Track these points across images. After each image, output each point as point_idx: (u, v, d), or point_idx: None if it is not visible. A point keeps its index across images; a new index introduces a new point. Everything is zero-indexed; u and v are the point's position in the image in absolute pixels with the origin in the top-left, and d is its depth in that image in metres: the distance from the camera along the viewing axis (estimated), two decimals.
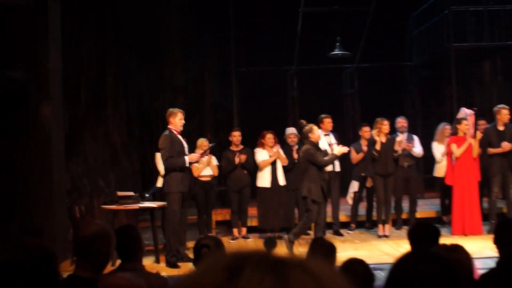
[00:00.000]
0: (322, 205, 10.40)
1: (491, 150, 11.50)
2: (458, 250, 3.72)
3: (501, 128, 11.56)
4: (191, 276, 0.73)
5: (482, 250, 9.59)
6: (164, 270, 8.57)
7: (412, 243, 4.86)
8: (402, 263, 2.00)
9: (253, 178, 11.86)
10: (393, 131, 11.94)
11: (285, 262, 0.70)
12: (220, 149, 12.32)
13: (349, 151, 11.49)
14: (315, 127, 10.50)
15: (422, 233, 4.82)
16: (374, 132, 11.56)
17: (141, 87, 14.66)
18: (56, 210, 9.51)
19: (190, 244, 9.71)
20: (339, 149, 10.53)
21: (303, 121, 11.34)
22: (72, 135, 11.66)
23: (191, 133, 13.03)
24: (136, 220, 12.39)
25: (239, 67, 15.43)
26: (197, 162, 10.78)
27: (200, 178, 11.51)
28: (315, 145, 10.35)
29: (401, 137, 11.64)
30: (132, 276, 3.07)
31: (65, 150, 10.34)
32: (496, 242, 5.23)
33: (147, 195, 10.71)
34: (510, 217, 10.88)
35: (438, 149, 12.36)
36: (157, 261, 9.62)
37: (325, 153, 10.95)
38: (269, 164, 11.58)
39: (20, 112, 9.58)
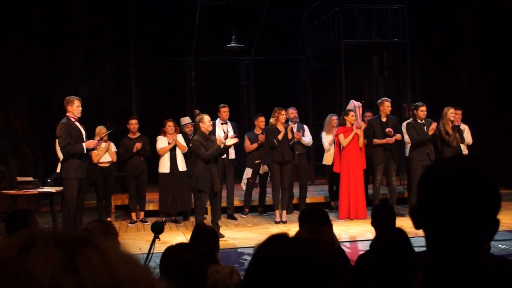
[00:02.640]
0: (213, 193, 10.78)
1: (376, 141, 12.23)
2: (321, 230, 3.91)
3: (384, 119, 12.33)
4: None
5: (365, 233, 10.30)
6: None
7: (301, 225, 4.99)
8: (262, 247, 1.96)
9: (153, 164, 12.16)
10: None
11: (76, 240, 0.67)
12: (119, 136, 12.57)
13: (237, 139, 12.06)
14: (206, 117, 10.75)
15: (311, 216, 5.03)
16: (272, 120, 11.93)
17: (43, 77, 14.66)
18: None
19: None
20: (231, 141, 10.92)
21: (196, 111, 11.81)
22: None
23: (91, 121, 13.20)
24: (37, 205, 12.50)
25: (139, 57, 15.58)
26: (94, 148, 11.04)
27: (99, 164, 11.78)
28: (204, 135, 10.63)
29: (291, 126, 12.08)
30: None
31: None
32: (373, 223, 5.76)
33: (49, 180, 10.90)
34: (387, 202, 11.68)
35: (326, 138, 13.01)
36: None
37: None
38: (167, 151, 11.92)
39: None
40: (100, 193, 11.95)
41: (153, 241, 4.83)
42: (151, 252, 4.71)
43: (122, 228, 11.58)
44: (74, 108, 9.95)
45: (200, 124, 10.66)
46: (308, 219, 4.93)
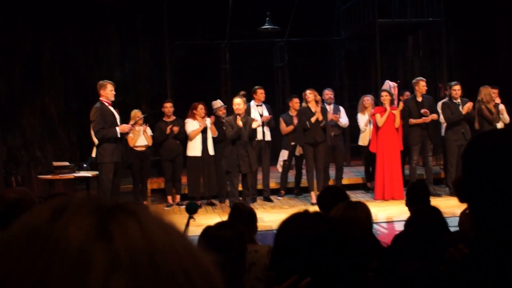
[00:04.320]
0: (243, 175, 10.88)
1: (412, 121, 12.14)
2: (357, 207, 3.84)
3: (419, 99, 12.22)
4: (21, 217, 0.65)
5: (401, 214, 10.21)
6: None
7: (320, 206, 5.05)
8: (286, 223, 2.01)
9: (185, 148, 12.18)
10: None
11: (112, 206, 0.65)
12: (155, 120, 12.64)
13: (274, 120, 12.08)
14: (234, 100, 10.91)
15: (331, 196, 4.98)
16: (304, 104, 11.92)
17: (78, 61, 14.77)
18: None
19: None
20: (255, 123, 10.95)
21: (242, 92, 11.82)
22: (8, 108, 11.81)
23: (126, 105, 13.28)
24: (73, 190, 12.65)
25: (173, 41, 15.62)
26: (129, 132, 11.12)
27: (135, 148, 11.86)
28: (235, 116, 10.77)
29: (327, 108, 12.03)
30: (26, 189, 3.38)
31: (2, 123, 10.48)
32: (407, 203, 5.72)
33: (84, 165, 11.00)
34: (423, 182, 11.59)
35: (361, 119, 12.96)
36: None
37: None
38: (198, 133, 11.92)
39: None
40: (136, 176, 12.05)
41: (188, 222, 4.85)
42: (186, 232, 4.73)
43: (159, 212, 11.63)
44: (107, 92, 10.02)
45: (237, 106, 10.81)
46: (327, 199, 4.92)
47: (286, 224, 2.01)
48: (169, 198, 12.27)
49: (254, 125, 10.90)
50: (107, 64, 15.19)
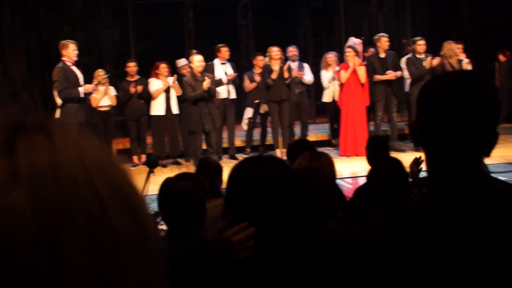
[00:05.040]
0: (206, 133, 10.90)
1: (377, 77, 12.18)
2: (321, 157, 3.76)
3: (382, 55, 12.26)
4: None
5: (365, 170, 10.30)
6: None
7: (289, 157, 5.17)
8: (239, 166, 1.97)
9: (150, 107, 12.14)
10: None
11: (25, 123, 0.61)
12: (119, 80, 12.52)
13: (238, 78, 12.06)
14: (195, 57, 10.89)
15: (300, 148, 4.92)
16: (267, 60, 11.99)
17: (40, 23, 14.54)
18: None
19: None
20: (205, 83, 10.92)
21: (193, 51, 11.77)
22: None
23: (91, 66, 13.15)
24: None
25: (136, 0, 15.45)
26: (92, 92, 11.02)
27: (98, 108, 11.76)
28: (194, 76, 10.75)
29: (288, 65, 12.02)
30: None
31: None
32: (367, 157, 5.75)
33: None
34: (380, 136, 11.67)
35: (325, 76, 12.97)
36: None
37: (218, 81, 11.50)
38: (161, 93, 11.87)
39: None
40: (100, 137, 11.92)
41: (148, 176, 4.84)
42: (146, 186, 4.71)
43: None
44: (70, 52, 9.92)
45: (191, 64, 10.71)
46: (294, 150, 4.94)
47: (239, 168, 1.97)
48: (135, 158, 12.23)
49: (205, 85, 10.85)
50: (70, 24, 14.95)
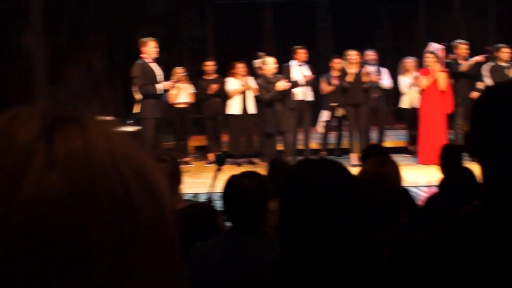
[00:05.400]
0: (282, 134, 10.90)
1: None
2: (387, 162, 3.76)
3: (461, 62, 12.01)
4: None
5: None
6: None
7: (362, 161, 5.19)
8: (295, 167, 1.99)
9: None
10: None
11: (62, 115, 0.69)
12: (197, 78, 12.68)
13: (316, 80, 12.03)
14: (268, 59, 10.94)
15: (372, 152, 5.12)
16: (344, 63, 11.94)
17: (123, 18, 14.88)
18: None
19: None
20: (282, 85, 10.92)
21: (261, 53, 11.81)
22: (55, 64, 11.98)
23: (170, 63, 13.36)
24: None
25: None
26: (170, 90, 11.21)
27: (176, 105, 11.95)
28: (266, 78, 10.77)
29: (368, 69, 11.96)
30: None
31: (48, 77, 10.64)
32: (441, 166, 5.67)
33: (129, 121, 11.13)
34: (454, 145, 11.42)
35: (403, 81, 12.81)
36: None
37: (294, 83, 11.52)
38: (238, 92, 11.93)
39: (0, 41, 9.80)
40: (177, 133, 12.17)
41: (216, 173, 4.97)
42: (213, 183, 4.81)
43: (199, 168, 11.79)
44: (149, 49, 10.14)
45: (263, 66, 10.69)
46: (367, 154, 5.00)
47: (296, 168, 1.97)
48: (210, 155, 12.35)
49: (280, 87, 10.88)
50: (152, 21, 15.25)
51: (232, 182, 3.32)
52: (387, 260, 2.41)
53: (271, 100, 10.85)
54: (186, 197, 4.93)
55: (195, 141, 13.34)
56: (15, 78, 9.81)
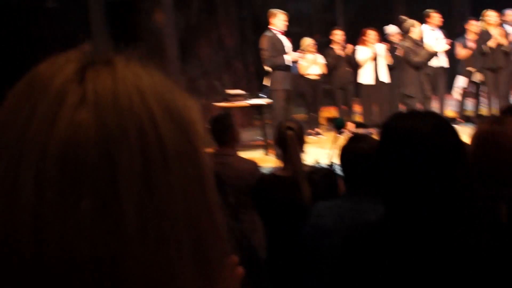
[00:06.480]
0: (422, 101, 10.58)
1: None
2: (504, 121, 3.51)
3: None
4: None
5: None
6: (270, 162, 8.74)
7: None
8: (392, 119, 1.94)
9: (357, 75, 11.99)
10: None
11: (97, 57, 0.75)
12: (327, 47, 12.54)
13: (452, 46, 11.54)
14: (416, 23, 10.54)
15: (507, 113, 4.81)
16: (481, 25, 11.38)
17: None
18: None
19: None
20: (442, 47, 10.55)
21: (403, 17, 11.40)
22: (187, 40, 12.23)
23: (300, 35, 13.30)
24: (250, 119, 12.92)
25: None
26: (300, 61, 11.13)
27: (307, 76, 11.87)
28: (415, 42, 10.42)
29: (508, 30, 11.37)
30: None
31: (180, 54, 10.88)
32: None
33: (261, 94, 11.15)
34: None
35: None
36: (266, 153, 10.05)
37: (433, 53, 11.09)
38: (368, 60, 11.58)
39: (131, 20, 10.10)
40: (308, 105, 12.09)
41: (336, 137, 4.94)
42: (334, 148, 4.75)
43: (331, 139, 11.65)
44: (278, 21, 10.10)
45: (411, 28, 10.58)
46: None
47: (393, 120, 1.92)
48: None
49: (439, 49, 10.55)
50: None
51: (348, 146, 3.31)
52: (505, 218, 2.31)
53: (423, 63, 10.51)
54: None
55: (326, 112, 13.23)
56: (147, 56, 10.06)
